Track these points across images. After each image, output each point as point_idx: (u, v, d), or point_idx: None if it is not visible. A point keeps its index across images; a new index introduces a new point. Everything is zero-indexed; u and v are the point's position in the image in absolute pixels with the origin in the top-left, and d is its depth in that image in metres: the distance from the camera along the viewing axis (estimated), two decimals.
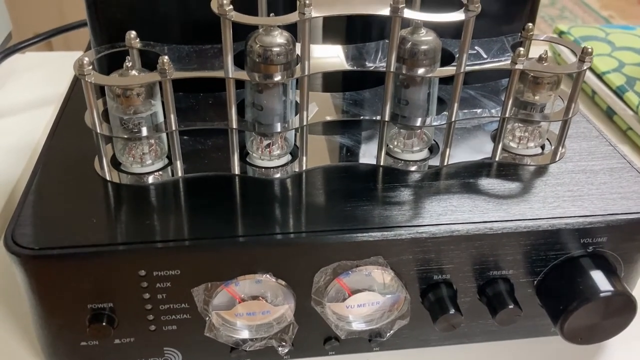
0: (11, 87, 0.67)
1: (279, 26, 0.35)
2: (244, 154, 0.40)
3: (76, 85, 0.47)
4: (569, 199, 0.37)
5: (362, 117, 0.39)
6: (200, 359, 0.38)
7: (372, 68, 0.37)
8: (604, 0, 2.11)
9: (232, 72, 0.34)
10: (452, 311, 0.36)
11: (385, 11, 0.33)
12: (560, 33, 0.73)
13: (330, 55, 0.39)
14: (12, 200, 0.52)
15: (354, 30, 0.42)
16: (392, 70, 0.36)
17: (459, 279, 0.37)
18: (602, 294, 0.35)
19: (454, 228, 0.35)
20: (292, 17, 0.32)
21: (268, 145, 0.38)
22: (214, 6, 0.32)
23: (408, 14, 0.34)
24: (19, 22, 0.72)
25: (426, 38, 0.36)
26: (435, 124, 0.39)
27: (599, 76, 0.66)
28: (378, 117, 0.38)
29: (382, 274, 0.36)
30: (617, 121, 0.63)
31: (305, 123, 0.37)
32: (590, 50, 0.37)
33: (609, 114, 0.64)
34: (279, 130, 0.37)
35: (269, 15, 0.37)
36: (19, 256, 0.32)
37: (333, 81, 0.45)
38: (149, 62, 0.37)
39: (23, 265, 0.33)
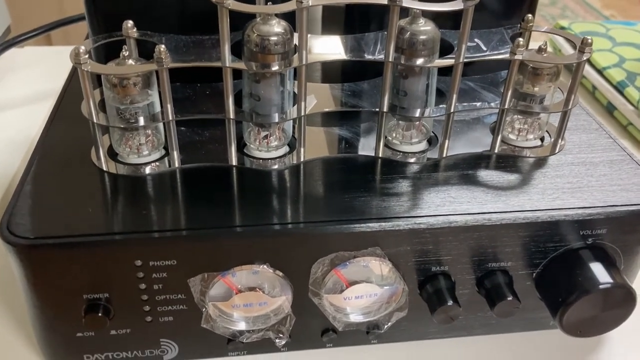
0: (10, 82, 0.67)
1: (276, 15, 0.34)
2: (241, 145, 0.39)
3: (74, 77, 0.47)
4: (569, 190, 0.37)
5: (360, 109, 0.39)
6: (196, 351, 0.38)
7: (370, 58, 0.36)
8: (605, 0, 2.11)
9: (229, 61, 0.34)
10: (450, 303, 0.35)
11: (383, 0, 0.33)
12: (561, 28, 0.73)
13: (328, 47, 0.39)
14: (9, 193, 0.52)
15: (352, 21, 0.42)
16: (390, 60, 0.35)
17: (457, 270, 0.36)
18: (601, 286, 0.35)
19: (452, 219, 0.35)
20: (290, 5, 0.32)
21: (266, 137, 0.38)
22: None
23: (406, 2, 0.33)
24: (18, 16, 0.72)
25: (425, 28, 0.35)
26: (434, 115, 0.38)
27: (600, 71, 0.65)
28: (377, 109, 0.38)
29: (379, 266, 0.36)
30: (618, 116, 0.63)
31: (303, 114, 0.37)
32: (590, 41, 0.36)
33: (610, 110, 0.64)
34: (276, 120, 0.37)
35: (266, 4, 0.36)
36: (15, 246, 0.32)
37: (332, 72, 0.45)
38: (146, 52, 0.37)
39: (18, 254, 0.32)
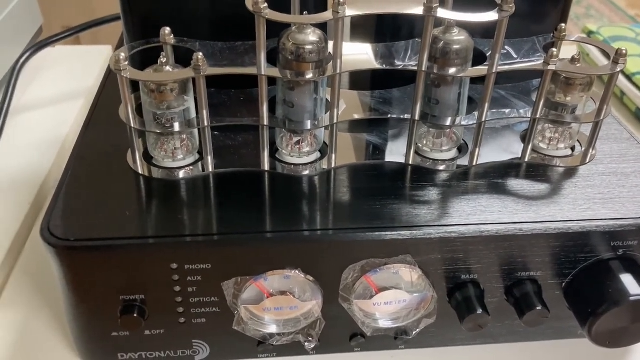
0: (40, 81, 0.68)
1: (311, 24, 0.35)
2: (273, 151, 0.40)
3: (109, 79, 0.47)
4: (600, 201, 0.37)
5: (391, 116, 0.39)
6: (227, 352, 0.39)
7: (402, 67, 0.37)
8: None
9: (265, 69, 0.35)
10: (479, 311, 0.36)
11: (419, 10, 0.33)
12: (589, 33, 0.72)
13: (359, 53, 0.39)
14: (42, 192, 0.53)
15: (383, 29, 0.42)
16: (423, 69, 0.36)
17: (487, 279, 0.37)
18: (631, 298, 0.35)
19: (484, 228, 0.35)
20: (326, 16, 0.33)
21: (298, 142, 0.39)
22: (249, 4, 0.33)
23: (441, 13, 0.34)
24: (47, 15, 0.73)
25: (459, 38, 0.36)
26: (465, 123, 0.38)
27: (629, 77, 0.65)
28: (408, 116, 0.39)
29: (409, 273, 0.36)
30: None
31: (335, 121, 0.37)
32: (624, 52, 0.36)
33: (638, 116, 0.63)
34: (309, 127, 0.37)
35: (302, 13, 0.37)
36: (55, 247, 0.33)
37: (361, 79, 0.45)
38: (180, 58, 0.38)
39: (58, 256, 0.33)
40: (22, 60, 0.59)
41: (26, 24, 0.67)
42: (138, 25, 0.41)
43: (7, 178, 0.54)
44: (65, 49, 0.77)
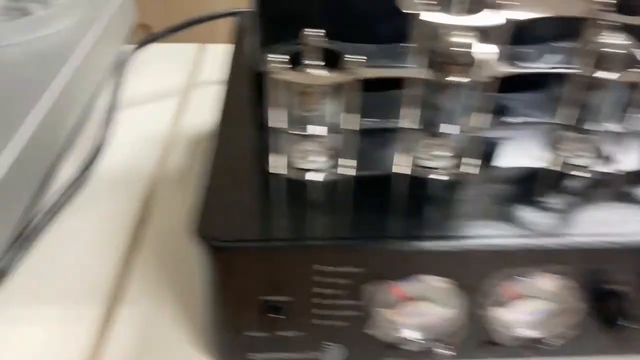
0: (138, 78, 0.69)
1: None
2: (411, 154, 0.39)
3: (232, 78, 0.47)
4: None
5: (531, 120, 0.39)
6: (358, 356, 0.38)
7: (555, 70, 0.36)
8: None
9: (418, 71, 0.34)
10: (628, 323, 0.35)
11: (586, 13, 0.33)
12: None
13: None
14: (151, 189, 0.53)
15: (520, 32, 0.41)
16: (581, 72, 0.35)
17: (636, 290, 0.36)
18: None
19: (638, 238, 0.34)
20: (495, 20, 0.32)
21: (438, 146, 0.38)
22: (407, 7, 0.32)
23: (606, 16, 0.33)
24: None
25: (618, 42, 0.34)
26: (613, 129, 0.37)
27: None
28: (548, 120, 0.38)
29: (553, 282, 0.35)
30: None
31: (479, 125, 0.37)
32: None
33: None
34: (453, 131, 0.37)
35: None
36: (213, 248, 0.33)
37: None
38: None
39: (214, 256, 0.33)
40: (128, 58, 0.59)
41: (125, 22, 0.68)
42: (272, 26, 0.41)
43: (116, 174, 0.55)
44: (155, 47, 0.78)
